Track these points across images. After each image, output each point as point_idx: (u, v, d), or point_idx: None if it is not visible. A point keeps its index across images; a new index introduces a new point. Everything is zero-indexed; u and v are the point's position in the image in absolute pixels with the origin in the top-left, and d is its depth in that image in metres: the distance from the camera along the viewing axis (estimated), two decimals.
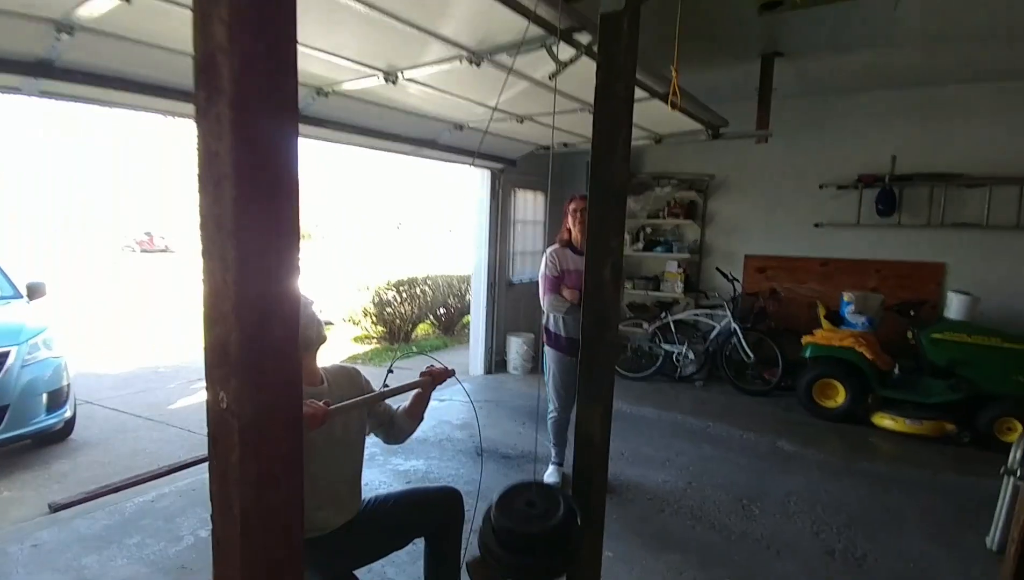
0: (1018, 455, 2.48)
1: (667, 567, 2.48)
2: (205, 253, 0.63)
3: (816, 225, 5.30)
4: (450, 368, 1.89)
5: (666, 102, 3.07)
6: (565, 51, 2.20)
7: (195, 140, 0.64)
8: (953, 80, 4.53)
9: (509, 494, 1.42)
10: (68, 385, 3.70)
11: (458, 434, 4.03)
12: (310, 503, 1.53)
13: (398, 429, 1.91)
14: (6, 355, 3.34)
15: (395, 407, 1.92)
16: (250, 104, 0.60)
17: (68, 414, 3.71)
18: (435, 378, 1.84)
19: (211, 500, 0.70)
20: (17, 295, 4.03)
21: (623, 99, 1.46)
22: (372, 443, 3.82)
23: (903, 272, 5.01)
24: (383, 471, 3.41)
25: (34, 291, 4.06)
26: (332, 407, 1.45)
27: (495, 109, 2.86)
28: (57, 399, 3.58)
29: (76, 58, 2.31)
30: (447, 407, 4.64)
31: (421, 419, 1.95)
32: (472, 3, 1.85)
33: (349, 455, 1.73)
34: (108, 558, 2.44)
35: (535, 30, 1.99)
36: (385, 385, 1.83)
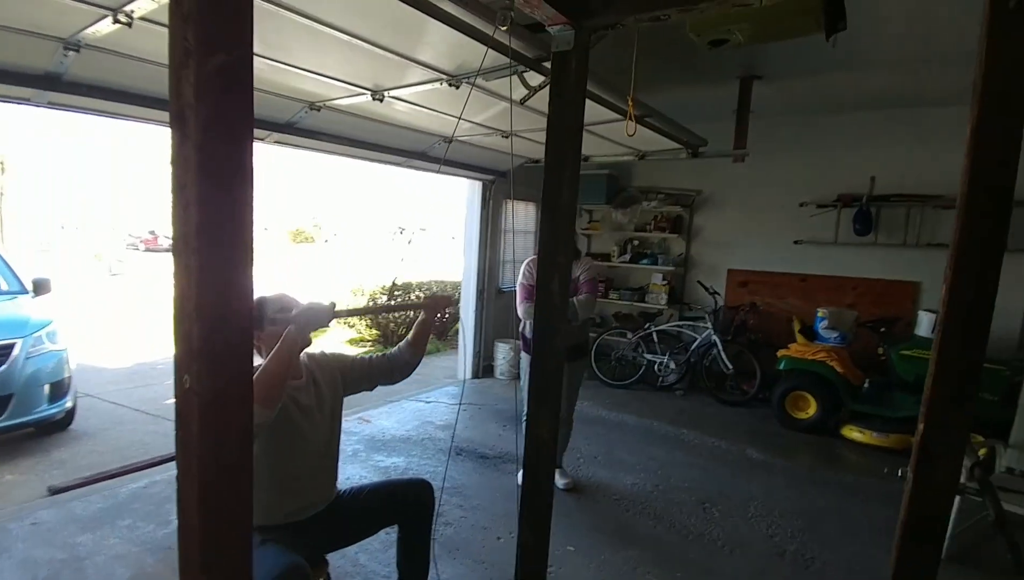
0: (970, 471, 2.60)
1: (624, 562, 2.62)
2: (175, 263, 0.80)
3: (796, 242, 5.46)
4: (454, 297, 2.01)
5: (639, 123, 3.26)
6: (535, 78, 2.38)
7: (169, 173, 0.81)
8: (930, 103, 4.68)
9: None
10: (69, 377, 3.89)
11: (440, 434, 4.18)
12: (288, 476, 1.70)
13: (403, 363, 1.98)
14: (12, 347, 3.53)
15: (393, 349, 2.03)
16: (212, 148, 0.77)
17: (69, 405, 3.90)
18: (437, 302, 1.95)
19: (176, 464, 0.86)
20: (23, 290, 4.21)
21: (572, 130, 1.63)
22: (356, 440, 3.99)
23: (879, 290, 5.16)
24: (364, 467, 3.56)
25: (39, 287, 4.24)
26: (339, 309, 1.58)
27: (459, 118, 3.02)
28: (59, 390, 3.77)
29: (82, 73, 2.50)
30: (432, 408, 4.80)
31: (424, 349, 2.03)
32: (444, 35, 2.03)
33: (324, 433, 1.83)
34: (101, 537, 2.61)
35: (505, 59, 2.17)
36: (392, 296, 1.94)
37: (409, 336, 2.00)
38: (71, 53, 2.31)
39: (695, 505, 3.24)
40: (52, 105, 2.66)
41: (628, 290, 6.36)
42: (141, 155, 33.07)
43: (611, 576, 2.52)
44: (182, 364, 0.83)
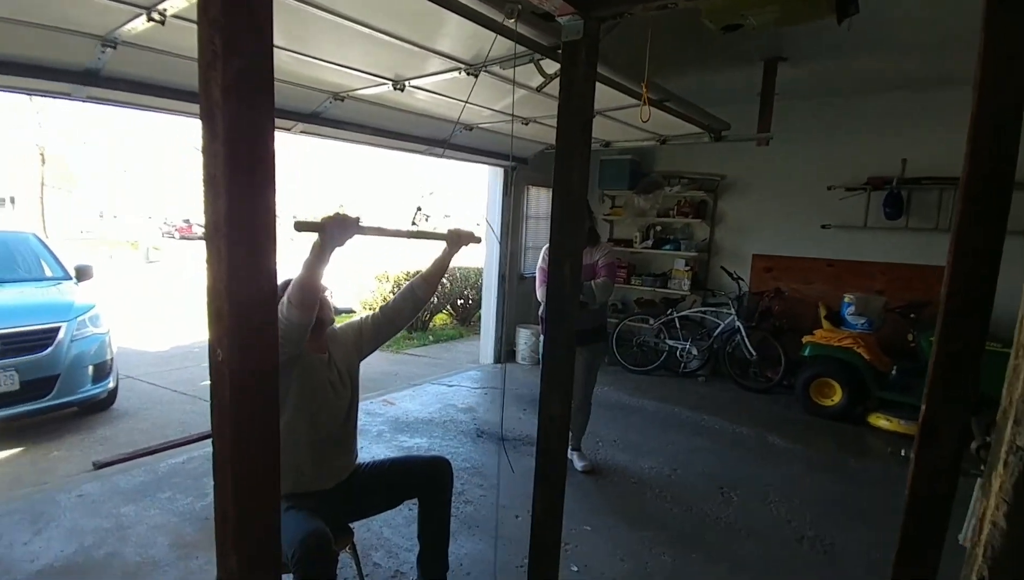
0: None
1: (639, 542, 2.68)
2: (207, 248, 0.88)
3: (823, 226, 5.34)
4: (475, 234, 1.99)
5: (658, 108, 3.24)
6: (552, 65, 2.41)
7: (201, 166, 0.88)
8: (964, 82, 4.49)
9: None
10: (111, 359, 4.09)
11: (461, 416, 4.29)
12: (313, 445, 1.80)
13: (414, 300, 2.02)
14: (57, 330, 3.72)
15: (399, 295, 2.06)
16: (238, 143, 0.84)
17: (111, 385, 4.11)
18: (460, 236, 1.96)
19: (212, 429, 0.95)
20: (67, 276, 4.44)
21: (583, 118, 1.66)
22: (381, 421, 4.12)
23: (909, 275, 5.03)
24: (389, 447, 3.69)
25: (82, 273, 4.46)
26: (362, 226, 1.62)
27: (465, 102, 3.03)
28: (102, 371, 3.97)
29: (119, 68, 2.63)
30: (454, 392, 4.91)
31: (436, 287, 2.05)
32: (460, 26, 2.07)
33: (345, 403, 1.92)
34: (143, 508, 2.78)
35: (522, 47, 2.20)
36: (414, 223, 2.00)
37: (425, 270, 2.03)
38: (108, 50, 2.43)
39: (713, 490, 3.26)
40: (90, 99, 2.80)
41: (650, 276, 6.33)
42: (139, 154, 34.27)
43: (627, 555, 2.57)
44: (215, 339, 0.91)
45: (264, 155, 0.87)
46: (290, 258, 1.47)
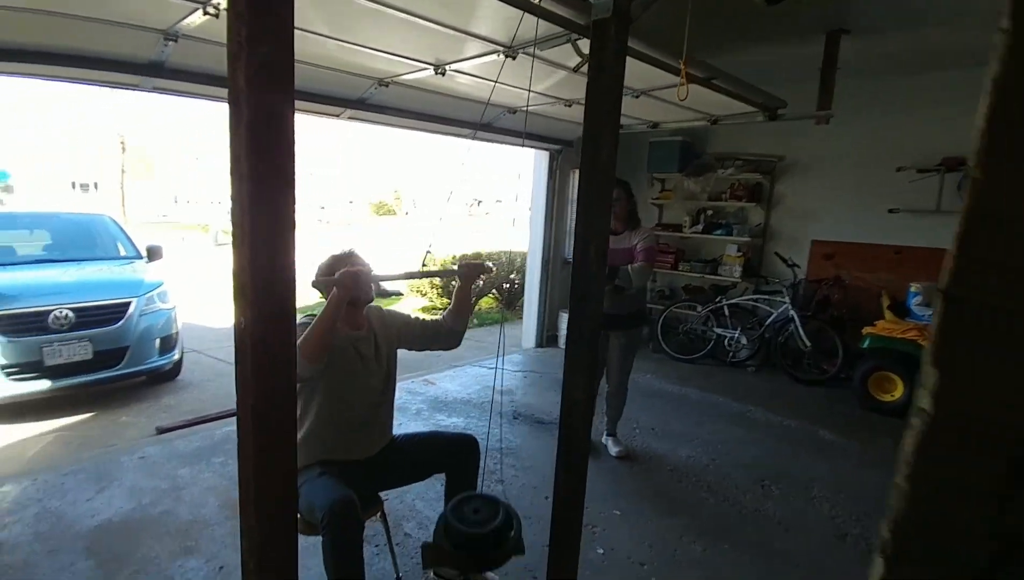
0: None
1: (668, 530, 2.65)
2: (232, 226, 0.94)
3: (891, 211, 4.98)
4: (487, 264, 2.07)
5: (705, 86, 3.11)
6: (588, 45, 2.35)
7: (228, 149, 0.94)
8: None
9: (462, 501, 1.65)
10: (177, 333, 4.43)
11: (498, 398, 4.35)
12: (349, 417, 1.89)
13: (447, 331, 2.10)
14: (128, 305, 4.06)
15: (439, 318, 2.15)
16: (261, 129, 0.89)
17: (176, 357, 4.46)
18: (471, 269, 2.02)
19: (236, 395, 1.02)
20: (138, 256, 4.84)
21: (611, 98, 1.63)
22: (420, 400, 4.25)
23: None
24: (427, 424, 3.80)
25: (153, 253, 4.84)
26: (375, 274, 1.74)
27: (495, 82, 2.94)
28: (168, 344, 4.31)
29: (181, 60, 2.80)
30: (493, 374, 4.98)
31: (466, 316, 2.13)
32: (495, 8, 2.06)
33: (381, 380, 2.01)
34: (198, 471, 3.01)
35: (556, 28, 2.17)
36: (424, 264, 2.09)
37: (451, 307, 2.11)
38: (170, 43, 2.59)
39: (753, 482, 3.17)
40: (156, 90, 3.00)
41: (700, 262, 6.14)
42: (209, 142, 36.10)
43: (655, 541, 2.56)
44: (239, 309, 0.98)
45: (284, 140, 0.92)
46: (312, 241, 1.55)
